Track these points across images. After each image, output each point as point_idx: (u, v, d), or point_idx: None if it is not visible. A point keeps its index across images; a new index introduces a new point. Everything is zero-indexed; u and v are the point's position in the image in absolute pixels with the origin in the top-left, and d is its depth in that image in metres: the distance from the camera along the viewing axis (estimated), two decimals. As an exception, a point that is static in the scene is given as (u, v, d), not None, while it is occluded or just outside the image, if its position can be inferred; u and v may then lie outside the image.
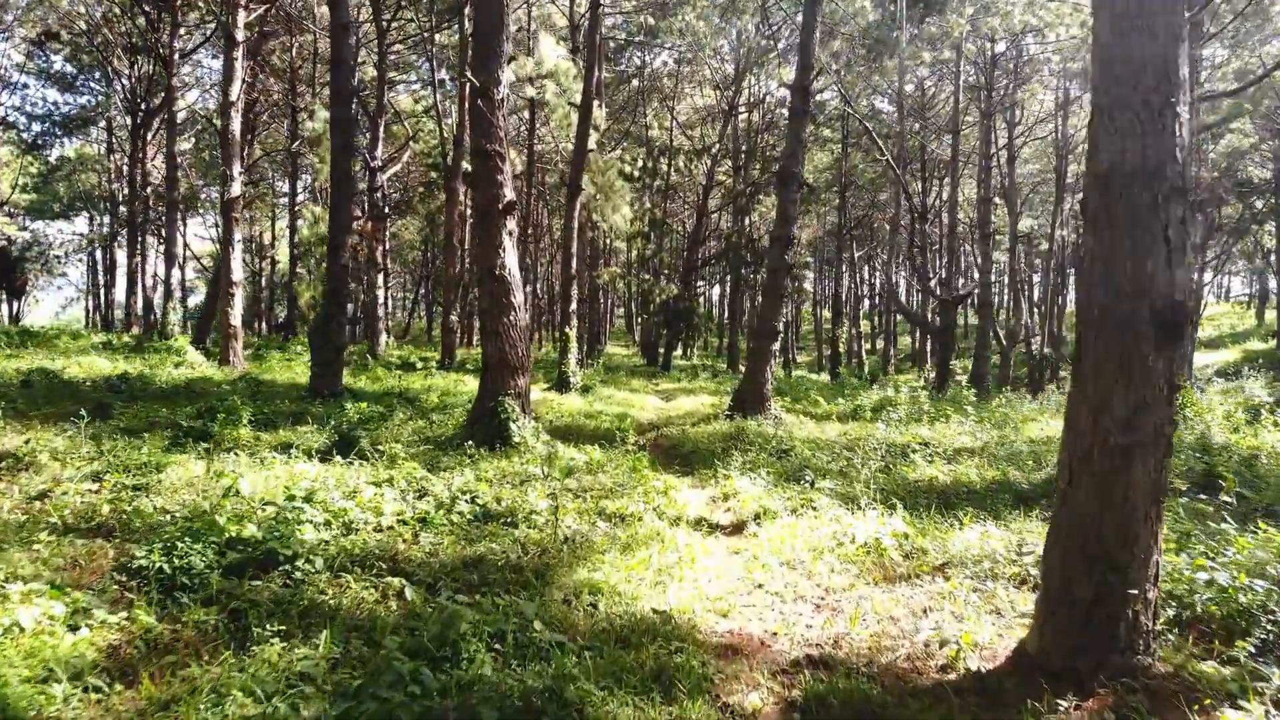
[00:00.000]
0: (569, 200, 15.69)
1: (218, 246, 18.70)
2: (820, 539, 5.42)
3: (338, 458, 6.89)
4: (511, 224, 7.33)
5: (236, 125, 16.71)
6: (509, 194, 7.35)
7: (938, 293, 21.12)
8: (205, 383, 13.39)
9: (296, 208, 31.56)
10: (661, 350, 30.82)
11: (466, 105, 15.23)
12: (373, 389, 13.96)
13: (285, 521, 4.54)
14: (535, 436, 7.53)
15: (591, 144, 16.95)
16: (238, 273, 16.51)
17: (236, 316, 16.38)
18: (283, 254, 38.13)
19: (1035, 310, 43.75)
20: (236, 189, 16.44)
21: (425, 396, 12.93)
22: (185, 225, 34.73)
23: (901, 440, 10.25)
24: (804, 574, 4.90)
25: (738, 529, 5.98)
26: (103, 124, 39.61)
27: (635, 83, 34.23)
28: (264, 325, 43.20)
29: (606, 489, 6.41)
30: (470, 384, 16.36)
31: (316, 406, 10.38)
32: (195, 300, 43.33)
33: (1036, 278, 46.32)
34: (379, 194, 24.93)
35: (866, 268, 53.07)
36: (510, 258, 7.30)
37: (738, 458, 8.22)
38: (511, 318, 7.27)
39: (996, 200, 29.46)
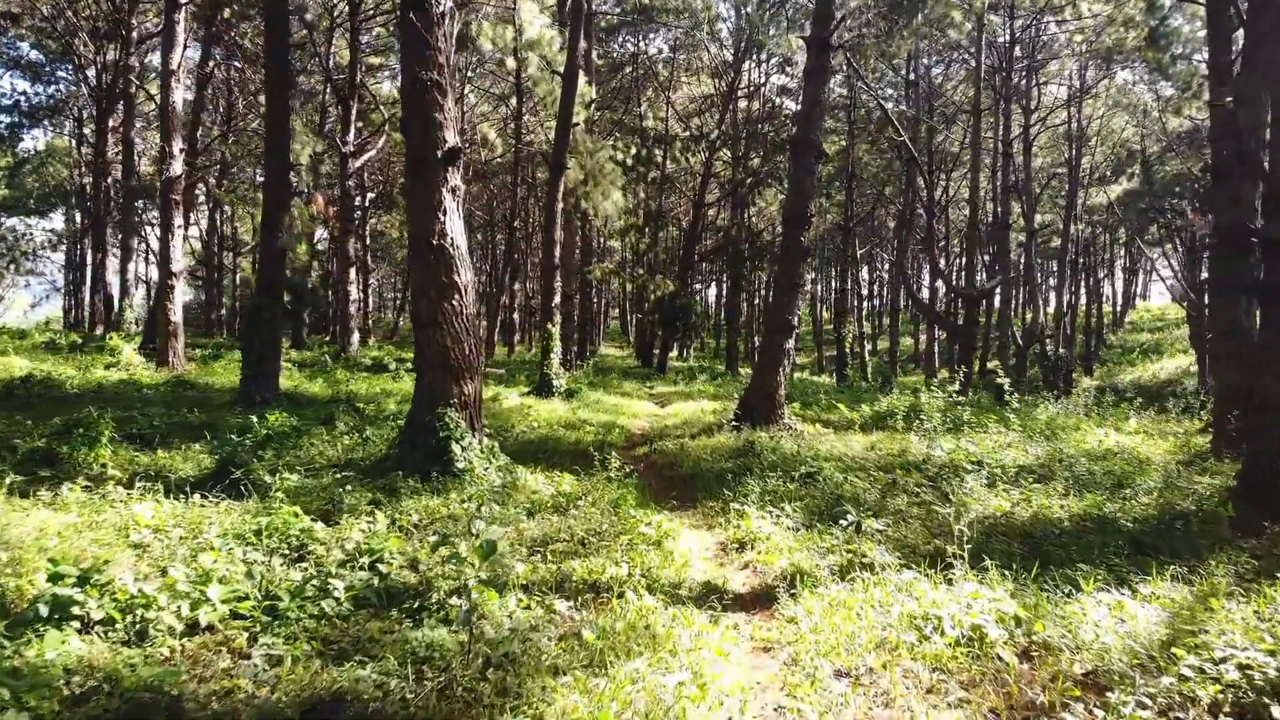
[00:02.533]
0: (551, 178, 13.86)
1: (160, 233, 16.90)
2: (889, 626, 3.60)
3: (216, 491, 5.05)
4: (456, 178, 5.51)
5: (178, 97, 14.84)
6: (451, 138, 5.51)
7: (959, 288, 19.34)
8: (125, 387, 11.51)
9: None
10: (657, 351, 28.98)
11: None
12: (323, 394, 12.09)
13: (29, 624, 2.70)
14: (489, 459, 5.70)
15: (579, 120, 15.13)
16: (178, 262, 14.62)
17: (176, 312, 14.49)
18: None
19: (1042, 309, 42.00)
20: (177, 168, 14.56)
21: (380, 402, 11.08)
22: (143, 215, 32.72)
23: (945, 457, 8.47)
24: (876, 698, 3.08)
25: (764, 602, 4.15)
26: (73, 114, 37.76)
27: (629, 70, 32.42)
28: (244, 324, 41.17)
29: (577, 539, 4.57)
30: (440, 388, 14.51)
31: (235, 417, 8.53)
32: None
33: (1045, 276, 44.69)
34: (352, 182, 23.06)
35: (865, 266, 51.37)
36: (454, 222, 5.47)
37: (752, 485, 6.39)
38: (455, 302, 5.44)
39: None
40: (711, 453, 8.47)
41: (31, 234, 46.62)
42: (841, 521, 5.46)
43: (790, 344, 10.08)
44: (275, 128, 9.84)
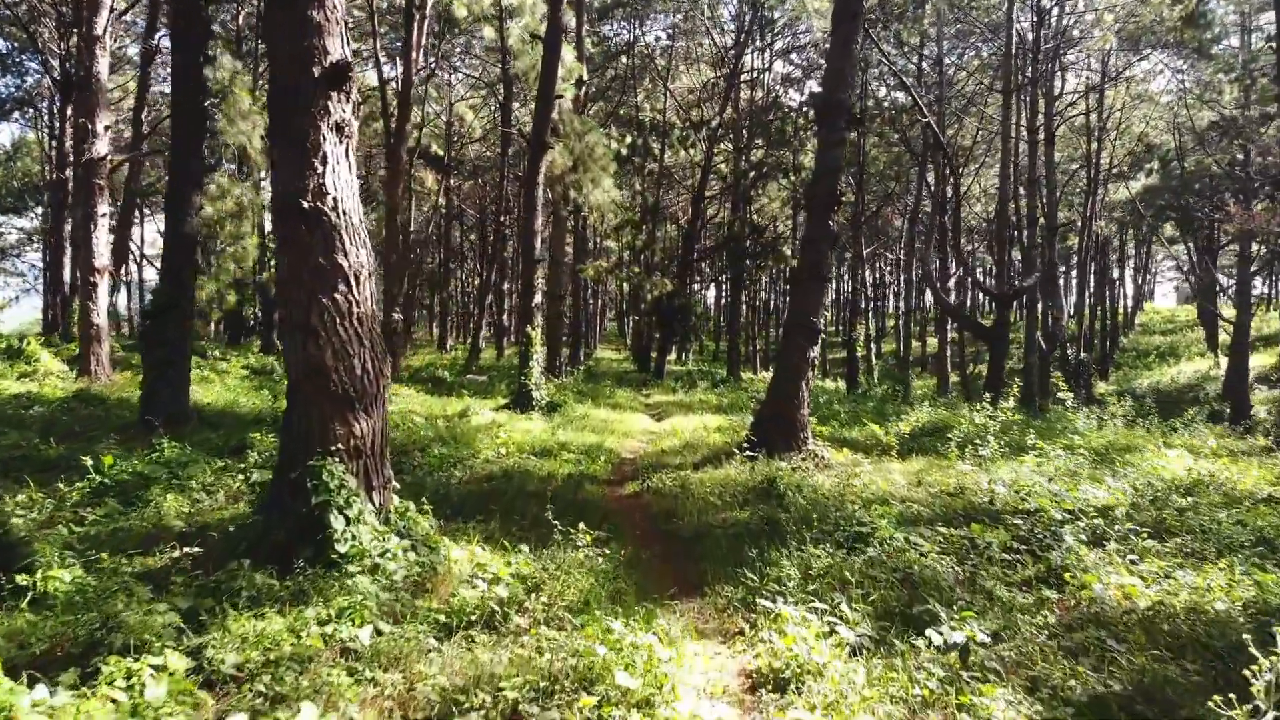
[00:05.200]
0: (531, 158, 11.96)
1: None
2: None
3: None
4: (343, 111, 3.63)
5: (102, 67, 12.92)
6: (337, 50, 3.64)
7: (989, 288, 17.48)
8: (16, 402, 9.60)
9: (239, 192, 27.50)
10: (654, 354, 27.09)
11: None
12: (254, 410, 10.15)
13: None
14: (396, 532, 3.80)
15: (563, 92, 13.24)
16: (102, 257, 12.68)
17: (100, 314, 12.54)
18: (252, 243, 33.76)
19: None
20: (100, 148, 12.63)
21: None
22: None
23: (1010, 494, 6.63)
24: None
25: None
26: (41, 107, 35.84)
27: (624, 59, 30.54)
28: (218, 328, 38.92)
29: (507, 705, 2.66)
30: (405, 401, 12.59)
31: (112, 446, 6.62)
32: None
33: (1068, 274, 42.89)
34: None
35: (866, 267, 49.40)
36: (339, 177, 3.58)
37: (784, 558, 4.48)
38: (340, 296, 3.54)
39: (1021, 189, 25.93)
40: (721, 493, 6.57)
41: (6, 233, 44.67)
42: (929, 633, 3.57)
43: (815, 351, 8.19)
44: (184, 79, 7.91)
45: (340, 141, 3.76)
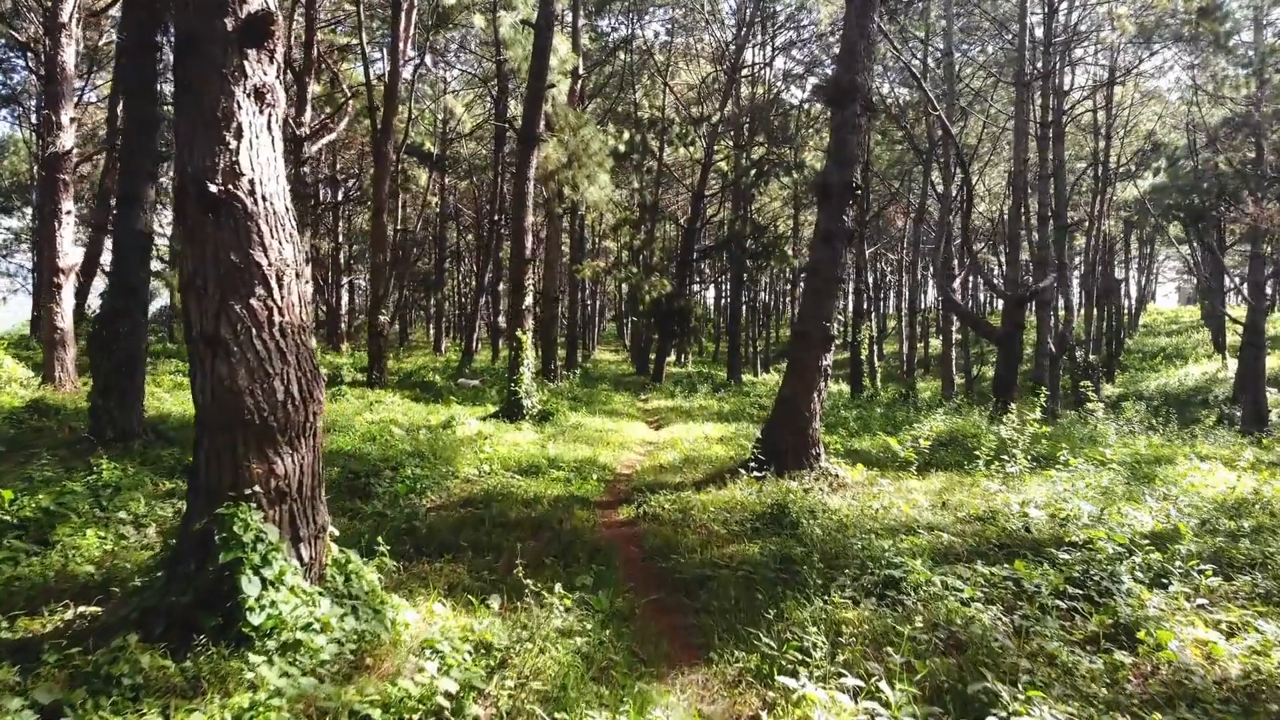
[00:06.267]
0: (521, 152, 11.24)
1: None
2: None
3: None
4: (264, 73, 2.92)
5: (69, 57, 12.20)
6: (256, -2, 2.95)
7: (1001, 290, 16.78)
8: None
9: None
10: (653, 357, 26.39)
11: None
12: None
13: None
14: (328, 593, 3.08)
15: (554, 82, 12.53)
16: (67, 256, 11.94)
17: (64, 317, 11.81)
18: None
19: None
20: (65, 141, 11.90)
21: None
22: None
23: (1055, 523, 5.96)
24: None
25: None
26: (31, 105, 35.13)
27: (622, 56, 29.83)
28: None
29: None
30: (388, 409, 11.88)
31: (46, 467, 5.90)
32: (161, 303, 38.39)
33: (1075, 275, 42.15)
34: (307, 169, 20.45)
35: (868, 268, 48.59)
36: (258, 154, 2.88)
37: (803, 611, 3.77)
38: (260, 302, 2.84)
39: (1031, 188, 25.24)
40: (727, 520, 5.86)
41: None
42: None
43: (828, 358, 7.47)
44: (137, 54, 7.18)
45: (261, 111, 3.05)
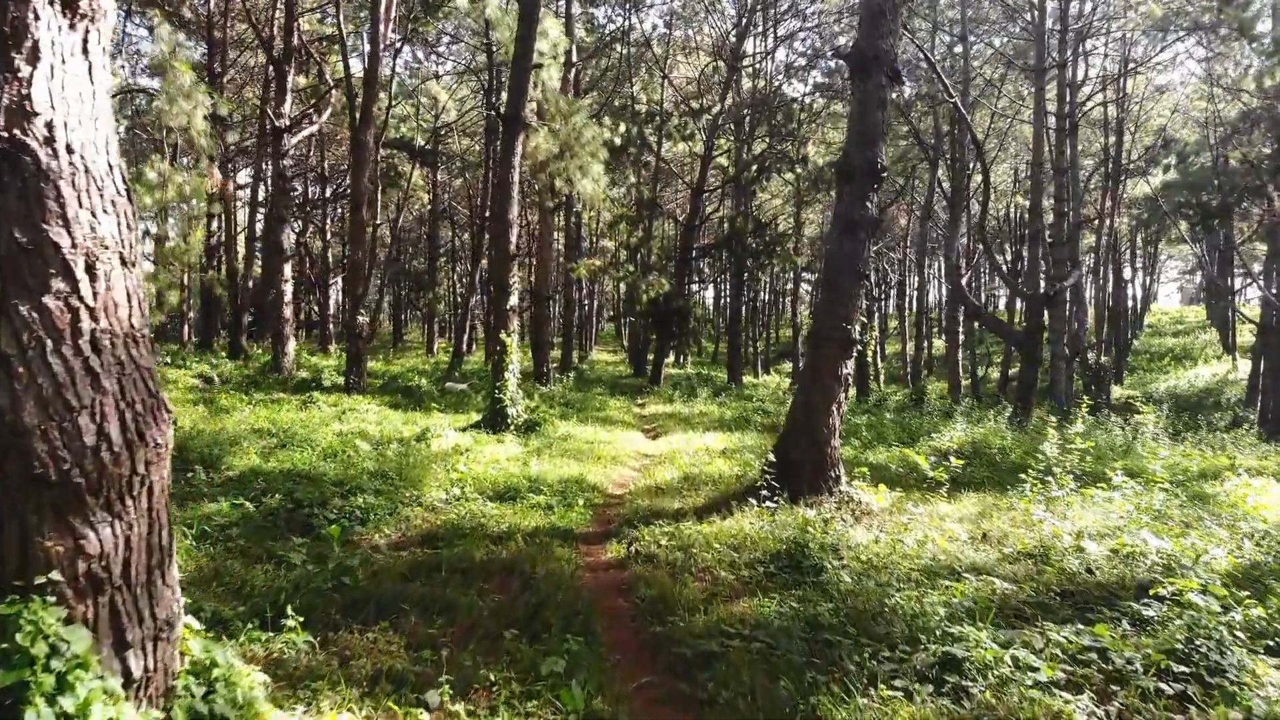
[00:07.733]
0: (504, 135, 10.26)
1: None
2: None
3: None
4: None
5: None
6: None
7: (1020, 290, 15.83)
8: None
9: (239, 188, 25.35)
10: (651, 359, 25.43)
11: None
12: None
13: None
14: (189, 714, 2.18)
15: (542, 62, 11.57)
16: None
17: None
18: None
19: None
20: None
21: (238, 450, 7.48)
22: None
23: (1118, 560, 5.03)
24: None
25: None
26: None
27: (619, 49, 28.84)
28: (224, 331, 35.26)
29: None
30: (360, 418, 10.90)
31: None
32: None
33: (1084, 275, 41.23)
34: (287, 162, 19.45)
35: (872, 267, 47.50)
36: (64, 87, 1.93)
37: (841, 717, 2.80)
38: (58, 301, 1.93)
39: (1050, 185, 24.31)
40: (735, 562, 4.89)
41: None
42: None
43: (849, 366, 6.50)
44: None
45: (72, 27, 2.09)
